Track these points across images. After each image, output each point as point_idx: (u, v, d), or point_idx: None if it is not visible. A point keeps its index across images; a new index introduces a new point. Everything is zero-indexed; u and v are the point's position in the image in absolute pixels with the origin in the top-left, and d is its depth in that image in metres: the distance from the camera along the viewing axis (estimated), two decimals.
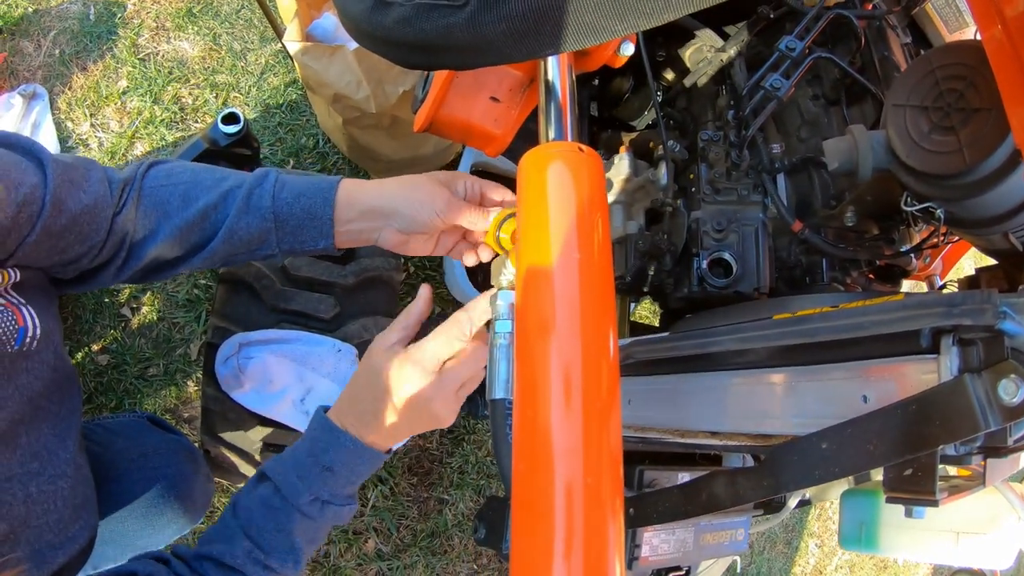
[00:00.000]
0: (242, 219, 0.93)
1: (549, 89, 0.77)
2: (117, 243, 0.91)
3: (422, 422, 0.88)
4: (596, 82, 1.41)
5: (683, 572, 1.39)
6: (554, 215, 0.62)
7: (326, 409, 0.91)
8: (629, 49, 0.92)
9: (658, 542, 1.26)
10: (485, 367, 0.84)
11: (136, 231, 0.92)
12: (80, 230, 0.86)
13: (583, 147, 0.67)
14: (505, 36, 0.67)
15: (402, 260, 1.63)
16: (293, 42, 1.63)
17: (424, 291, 0.94)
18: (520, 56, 0.70)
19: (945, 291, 1.42)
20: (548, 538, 0.55)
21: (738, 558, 1.53)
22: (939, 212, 0.83)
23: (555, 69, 0.78)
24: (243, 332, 1.22)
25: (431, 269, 2.18)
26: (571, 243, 0.61)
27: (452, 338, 0.86)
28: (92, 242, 0.88)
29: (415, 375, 0.85)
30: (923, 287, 1.46)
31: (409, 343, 0.90)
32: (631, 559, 1.23)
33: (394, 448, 0.95)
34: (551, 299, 0.59)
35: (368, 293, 1.28)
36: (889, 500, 0.72)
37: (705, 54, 1.21)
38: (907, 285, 1.32)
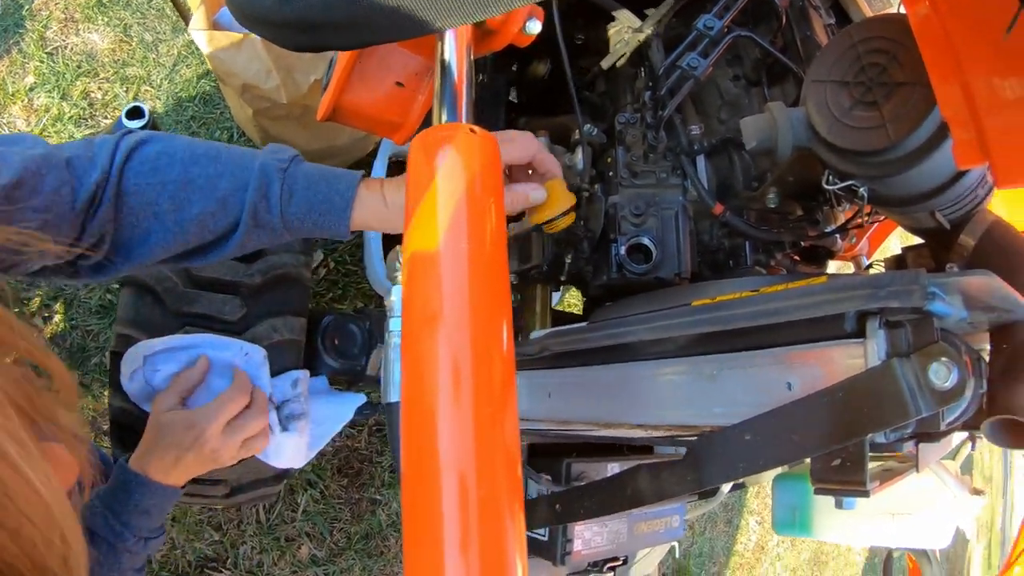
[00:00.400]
0: (252, 234, 0.85)
1: (445, 69, 0.72)
2: (94, 242, 0.80)
3: (209, 466, 1.07)
4: (515, 67, 1.36)
5: (620, 562, 1.38)
6: (442, 201, 0.57)
7: (126, 460, 1.05)
8: (535, 27, 0.88)
9: (590, 535, 1.24)
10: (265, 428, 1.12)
11: (121, 231, 0.81)
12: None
13: (475, 128, 0.62)
14: (388, 11, 0.62)
15: (315, 255, 1.57)
16: (199, 31, 1.55)
17: (201, 362, 1.13)
18: (409, 32, 0.65)
19: (872, 271, 1.42)
20: (439, 547, 0.51)
21: (676, 543, 1.51)
22: (862, 190, 0.80)
23: (452, 48, 0.74)
24: (146, 340, 1.15)
25: (352, 264, 2.12)
26: (460, 230, 0.56)
27: (230, 400, 1.07)
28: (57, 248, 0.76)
29: (204, 433, 1.04)
30: (850, 267, 1.45)
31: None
32: (563, 554, 1.20)
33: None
34: (438, 290, 0.54)
35: (276, 292, 1.21)
36: (818, 492, 0.69)
37: (623, 36, 1.17)
38: (833, 266, 1.31)
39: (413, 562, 0.52)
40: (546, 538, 1.22)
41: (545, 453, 1.27)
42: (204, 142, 0.85)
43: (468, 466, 0.51)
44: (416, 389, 0.53)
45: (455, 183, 0.58)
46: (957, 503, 1.18)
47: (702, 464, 0.73)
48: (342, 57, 0.98)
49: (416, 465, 0.53)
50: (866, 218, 1.04)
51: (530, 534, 1.25)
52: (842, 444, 0.63)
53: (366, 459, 2.13)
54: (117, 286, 1.87)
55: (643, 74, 1.15)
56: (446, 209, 0.57)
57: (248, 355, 1.14)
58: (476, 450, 0.52)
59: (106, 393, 1.82)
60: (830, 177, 0.83)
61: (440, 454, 0.52)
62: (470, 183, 0.58)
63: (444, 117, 0.69)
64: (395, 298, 0.72)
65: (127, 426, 1.25)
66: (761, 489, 3.27)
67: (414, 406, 0.53)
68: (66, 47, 2.06)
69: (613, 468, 1.26)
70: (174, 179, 0.81)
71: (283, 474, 1.38)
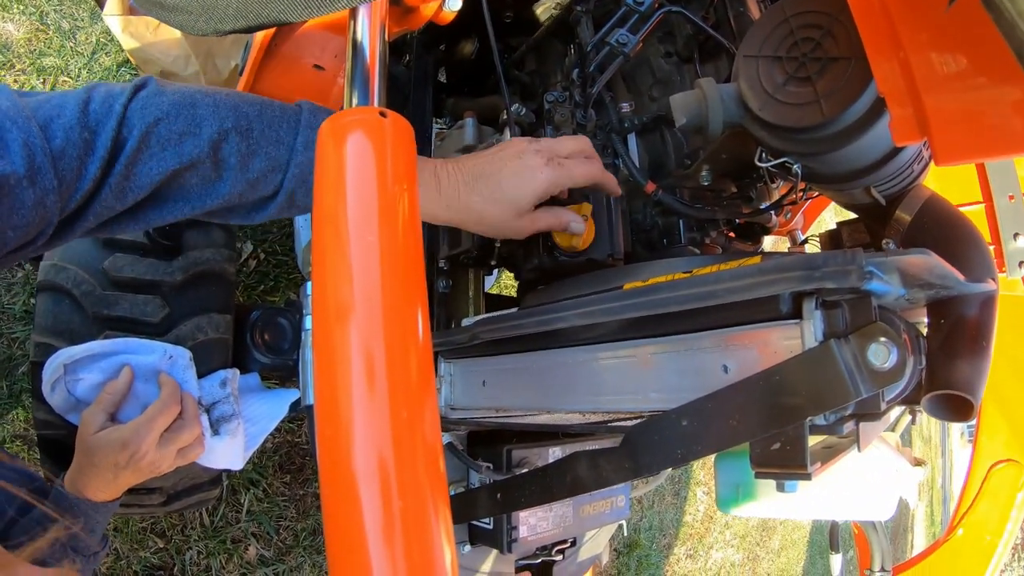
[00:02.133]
0: (284, 212, 0.80)
1: (356, 49, 0.69)
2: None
3: (147, 477, 1.06)
4: (443, 47, 1.33)
5: (569, 544, 1.38)
6: (351, 190, 0.54)
7: (62, 484, 1.04)
8: (456, 4, 0.85)
9: (535, 521, 1.24)
10: (199, 435, 1.09)
11: (136, 200, 0.71)
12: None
13: (386, 112, 0.59)
14: None
15: (244, 246, 1.52)
16: (113, 16, 1.48)
17: (125, 372, 1.08)
18: (310, 10, 0.62)
19: (807, 246, 1.42)
20: (364, 553, 0.48)
21: (623, 521, 1.52)
22: (796, 167, 0.79)
23: (364, 27, 0.70)
24: (66, 348, 1.09)
25: (283, 254, 2.07)
26: (370, 221, 0.53)
27: (161, 413, 1.04)
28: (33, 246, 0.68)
29: (139, 450, 1.01)
30: (785, 243, 1.45)
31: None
32: (510, 541, 1.20)
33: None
34: (348, 285, 0.51)
35: (199, 289, 1.16)
36: (758, 476, 0.67)
37: (552, 13, 1.14)
38: (768, 241, 1.31)
39: (339, 571, 0.50)
40: (491, 527, 1.21)
41: (485, 440, 1.26)
42: (229, 101, 0.74)
43: (387, 466, 0.49)
44: (328, 387, 0.50)
45: (365, 171, 0.55)
46: (899, 475, 1.20)
47: (639, 452, 0.72)
48: (257, 40, 0.94)
49: (332, 469, 0.50)
50: (800, 195, 1.03)
51: (475, 523, 1.24)
52: (781, 428, 0.61)
53: (308, 453, 2.09)
54: None
55: (572, 52, 1.13)
56: (355, 199, 0.54)
57: (172, 358, 1.09)
58: (394, 449, 0.49)
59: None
60: (763, 154, 0.81)
61: (356, 455, 0.49)
62: (380, 170, 0.55)
63: (355, 101, 0.65)
64: (310, 294, 0.68)
65: (53, 439, 1.19)
66: (707, 461, 3.33)
67: (327, 406, 0.50)
68: None
69: (555, 453, 1.25)
70: (201, 159, 0.71)
71: (220, 477, 1.34)
